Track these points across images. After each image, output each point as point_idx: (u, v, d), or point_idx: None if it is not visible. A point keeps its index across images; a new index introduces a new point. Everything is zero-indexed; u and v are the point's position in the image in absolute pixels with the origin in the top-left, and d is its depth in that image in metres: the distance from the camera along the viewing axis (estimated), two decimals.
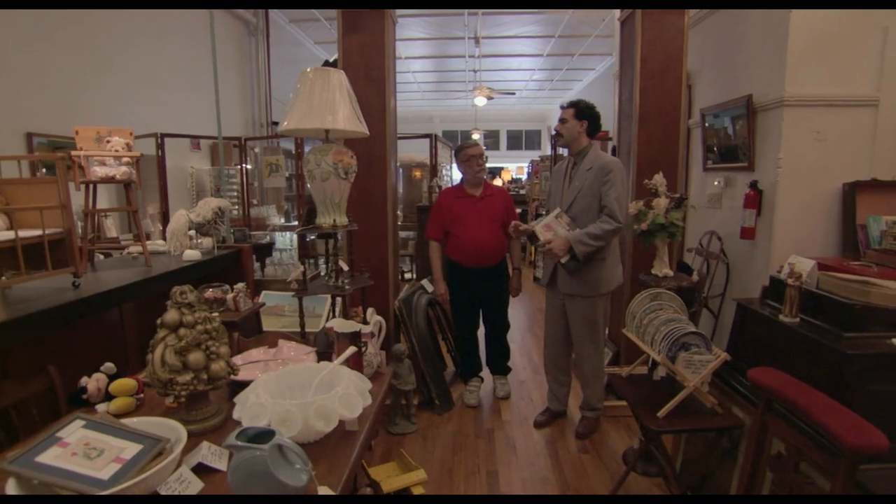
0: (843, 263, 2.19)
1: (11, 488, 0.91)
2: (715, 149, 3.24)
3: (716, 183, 3.19)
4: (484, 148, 3.26)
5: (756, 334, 1.98)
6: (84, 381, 1.44)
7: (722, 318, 3.13)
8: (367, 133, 2.14)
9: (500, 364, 3.42)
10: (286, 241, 5.79)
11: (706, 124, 3.28)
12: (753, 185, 2.73)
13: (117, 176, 2.31)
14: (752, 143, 2.81)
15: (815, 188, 2.60)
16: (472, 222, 3.01)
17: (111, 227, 3.84)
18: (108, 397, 1.41)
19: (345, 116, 2.00)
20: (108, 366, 1.49)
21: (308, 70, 2.02)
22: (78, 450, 1.00)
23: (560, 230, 2.52)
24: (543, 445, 2.74)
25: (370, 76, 2.91)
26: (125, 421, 1.15)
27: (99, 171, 2.29)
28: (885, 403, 1.44)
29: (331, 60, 3.07)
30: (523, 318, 5.34)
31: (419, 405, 3.08)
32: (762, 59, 2.75)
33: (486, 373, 3.47)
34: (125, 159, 2.35)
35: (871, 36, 2.53)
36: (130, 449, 1.03)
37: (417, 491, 2.02)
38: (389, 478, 2.07)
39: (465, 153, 3.06)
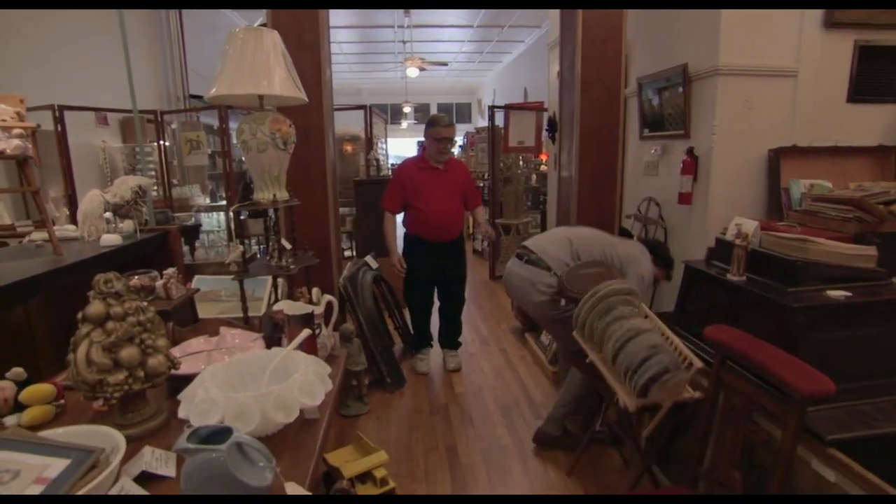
0: (770, 224, 2.33)
1: None
2: (651, 117, 3.32)
3: (653, 151, 3.28)
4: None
5: (704, 294, 2.06)
6: None
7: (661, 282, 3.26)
8: (306, 100, 1.97)
9: (452, 340, 3.41)
10: (213, 222, 5.43)
11: (642, 93, 3.35)
12: (690, 151, 2.83)
13: (8, 150, 1.98)
14: (688, 110, 2.89)
15: (746, 154, 2.72)
16: (436, 195, 2.94)
17: (2, 212, 3.36)
18: (19, 408, 1.21)
19: (281, 81, 1.81)
20: (16, 371, 1.27)
21: (237, 30, 1.82)
22: None
23: None
24: (500, 416, 2.76)
25: (303, 41, 2.69)
26: (44, 433, 0.98)
27: None
28: (826, 350, 1.54)
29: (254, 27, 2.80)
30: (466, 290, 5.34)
31: (370, 385, 3.00)
32: (697, 29, 2.81)
33: (434, 344, 3.44)
34: (16, 131, 2.02)
35: (790, 11, 2.66)
36: (55, 466, 0.88)
37: (380, 473, 1.96)
38: (348, 462, 1.99)
39: (439, 132, 2.95)
